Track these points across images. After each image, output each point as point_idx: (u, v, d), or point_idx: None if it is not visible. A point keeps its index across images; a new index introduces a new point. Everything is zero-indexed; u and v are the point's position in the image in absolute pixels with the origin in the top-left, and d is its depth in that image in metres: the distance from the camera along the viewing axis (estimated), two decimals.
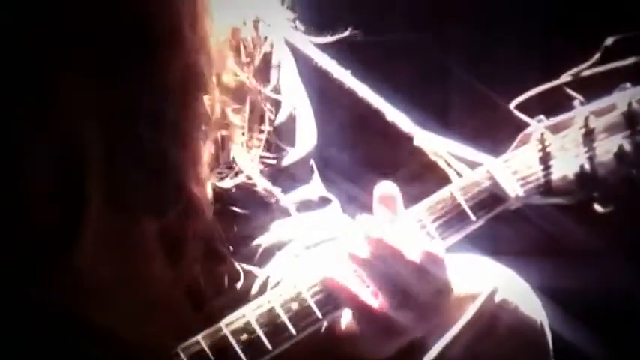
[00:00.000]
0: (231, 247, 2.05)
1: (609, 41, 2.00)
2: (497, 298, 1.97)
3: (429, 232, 1.92)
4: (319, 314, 1.91)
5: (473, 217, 1.92)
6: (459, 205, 1.92)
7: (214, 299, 2.03)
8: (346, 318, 1.94)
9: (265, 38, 2.07)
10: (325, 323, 1.93)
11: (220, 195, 2.03)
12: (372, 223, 1.94)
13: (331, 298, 1.93)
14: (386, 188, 1.93)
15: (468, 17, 3.06)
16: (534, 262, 2.18)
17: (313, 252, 2.06)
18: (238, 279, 2.05)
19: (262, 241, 2.07)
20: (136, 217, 1.98)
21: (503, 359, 1.97)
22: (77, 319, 1.92)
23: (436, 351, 1.95)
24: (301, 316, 1.91)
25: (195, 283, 2.03)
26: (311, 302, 1.91)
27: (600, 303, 2.75)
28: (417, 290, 1.85)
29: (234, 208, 2.05)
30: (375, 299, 1.89)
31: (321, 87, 2.13)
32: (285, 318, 1.89)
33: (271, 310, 1.89)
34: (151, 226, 1.97)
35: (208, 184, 2.01)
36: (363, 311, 1.89)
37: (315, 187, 2.17)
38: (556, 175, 1.94)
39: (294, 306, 1.91)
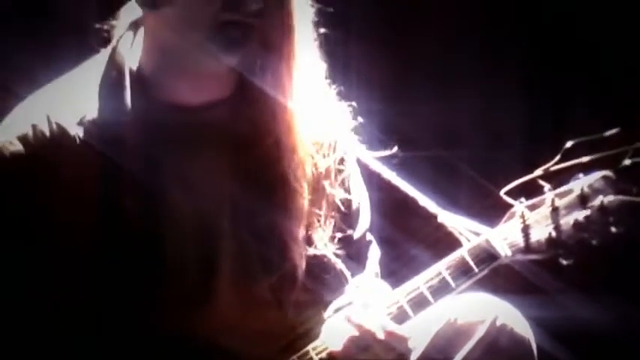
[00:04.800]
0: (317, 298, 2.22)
1: (568, 144, 2.24)
2: (498, 323, 2.18)
3: (448, 281, 2.16)
4: None
5: (476, 270, 2.19)
6: (467, 261, 2.19)
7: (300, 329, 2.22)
8: None
9: (340, 154, 2.25)
10: None
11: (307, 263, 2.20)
12: (359, 314, 2.13)
13: None
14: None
15: (471, 140, 3.30)
16: (521, 297, 2.27)
17: (336, 316, 2.19)
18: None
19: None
20: (253, 277, 2.16)
21: None
22: (213, 346, 2.14)
23: None
24: None
25: (291, 321, 2.22)
26: None
27: (567, 325, 2.89)
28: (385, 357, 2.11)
29: (315, 273, 2.22)
30: None
31: (376, 183, 2.33)
32: None
33: None
34: (264, 283, 2.16)
35: (301, 255, 2.19)
36: None
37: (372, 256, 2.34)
38: (533, 239, 2.22)
39: None
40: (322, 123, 2.23)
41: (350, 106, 2.26)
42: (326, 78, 2.23)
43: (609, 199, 2.23)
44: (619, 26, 3.36)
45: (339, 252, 2.23)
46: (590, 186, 2.24)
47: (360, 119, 2.26)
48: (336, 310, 2.20)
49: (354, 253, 2.28)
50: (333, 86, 2.24)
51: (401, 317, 2.15)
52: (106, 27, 2.20)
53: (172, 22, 2.08)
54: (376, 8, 3.34)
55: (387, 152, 2.28)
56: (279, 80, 2.13)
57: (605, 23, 3.36)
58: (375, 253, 2.34)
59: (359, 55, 3.15)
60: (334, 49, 2.22)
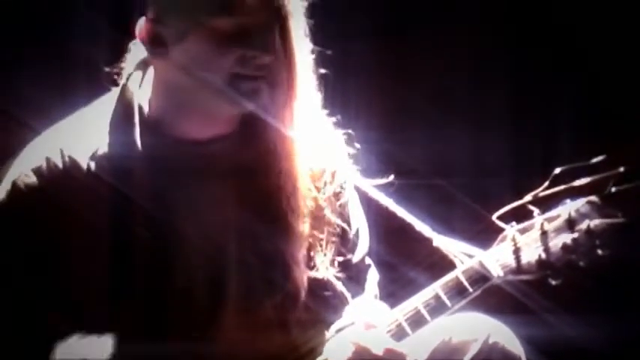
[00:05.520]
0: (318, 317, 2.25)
1: (556, 171, 2.27)
2: (491, 340, 2.22)
3: (444, 301, 2.20)
4: None
5: (470, 290, 2.23)
6: (462, 282, 2.23)
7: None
8: None
9: (339, 182, 2.29)
10: None
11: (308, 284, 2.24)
12: (359, 333, 2.16)
13: None
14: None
15: (465, 168, 3.35)
16: (512, 316, 2.31)
17: (338, 335, 2.22)
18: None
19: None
20: (257, 299, 2.19)
21: None
22: None
23: None
24: None
25: (295, 341, 2.25)
26: None
27: (556, 342, 2.89)
28: None
29: (317, 294, 2.27)
30: None
31: (374, 209, 2.37)
32: None
33: None
34: (268, 304, 2.20)
35: (302, 276, 2.22)
36: None
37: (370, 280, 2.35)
38: (523, 261, 2.27)
39: None
40: (322, 152, 2.27)
41: (348, 135, 2.29)
42: (325, 108, 2.26)
43: (595, 222, 2.27)
44: (606, 59, 3.41)
45: (340, 275, 2.27)
46: (577, 211, 2.28)
47: (359, 148, 2.30)
48: (338, 330, 2.23)
49: (354, 275, 2.31)
50: (333, 116, 2.28)
51: (400, 335, 2.18)
52: (116, 69, 2.23)
53: (184, 69, 2.11)
54: (374, 40, 3.38)
55: (385, 180, 2.32)
56: (281, 114, 2.18)
57: (593, 58, 3.42)
58: (373, 275, 2.37)
59: (357, 87, 3.19)
60: (334, 80, 2.26)
